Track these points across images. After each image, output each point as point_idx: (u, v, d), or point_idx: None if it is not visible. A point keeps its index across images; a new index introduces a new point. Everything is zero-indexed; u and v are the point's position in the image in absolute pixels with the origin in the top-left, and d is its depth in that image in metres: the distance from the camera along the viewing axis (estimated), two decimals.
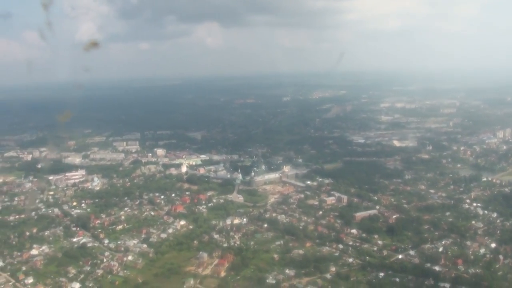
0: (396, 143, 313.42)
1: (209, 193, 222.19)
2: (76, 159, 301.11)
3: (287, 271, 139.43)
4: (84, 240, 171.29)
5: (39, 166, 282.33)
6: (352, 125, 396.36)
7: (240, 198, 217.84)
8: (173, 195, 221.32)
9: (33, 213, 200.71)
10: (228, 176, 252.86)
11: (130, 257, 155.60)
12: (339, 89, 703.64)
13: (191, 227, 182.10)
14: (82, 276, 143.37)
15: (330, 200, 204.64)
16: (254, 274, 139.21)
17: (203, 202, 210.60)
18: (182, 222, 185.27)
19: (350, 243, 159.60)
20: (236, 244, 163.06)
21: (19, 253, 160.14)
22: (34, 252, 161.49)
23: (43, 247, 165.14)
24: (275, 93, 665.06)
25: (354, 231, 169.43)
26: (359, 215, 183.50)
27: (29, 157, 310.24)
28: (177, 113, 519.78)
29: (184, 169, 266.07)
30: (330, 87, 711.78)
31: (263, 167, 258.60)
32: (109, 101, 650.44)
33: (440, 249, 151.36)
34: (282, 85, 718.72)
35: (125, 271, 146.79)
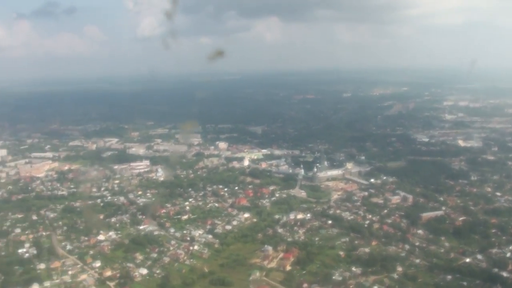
0: (461, 142, 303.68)
1: (272, 188, 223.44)
2: (140, 150, 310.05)
3: (353, 268, 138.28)
4: (150, 228, 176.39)
5: (103, 155, 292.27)
6: (415, 123, 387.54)
7: (302, 194, 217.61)
8: (236, 188, 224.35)
9: (99, 200, 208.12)
10: (290, 171, 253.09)
11: (196, 247, 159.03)
12: (400, 85, 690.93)
13: (255, 220, 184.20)
14: (149, 262, 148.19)
15: (395, 199, 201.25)
16: (320, 270, 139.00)
17: (266, 196, 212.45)
18: (246, 215, 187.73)
19: (417, 243, 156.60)
20: (300, 239, 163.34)
21: (86, 238, 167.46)
22: (101, 237, 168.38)
23: (110, 233, 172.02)
24: (335, 89, 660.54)
25: (420, 231, 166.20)
26: (426, 215, 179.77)
27: (94, 147, 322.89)
28: (237, 107, 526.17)
29: (246, 162, 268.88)
30: (390, 84, 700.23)
31: (325, 163, 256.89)
32: (170, 94, 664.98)
33: (508, 254, 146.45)
34: (342, 81, 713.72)
35: (191, 260, 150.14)
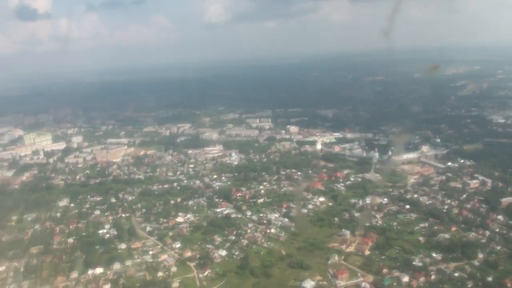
0: None
1: (346, 171, 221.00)
2: (213, 135, 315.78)
3: (433, 254, 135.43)
4: (227, 211, 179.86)
5: (177, 140, 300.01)
6: (490, 103, 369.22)
7: (378, 177, 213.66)
8: (310, 171, 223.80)
9: (176, 183, 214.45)
10: (364, 154, 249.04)
11: (272, 230, 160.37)
12: (472, 64, 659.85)
13: (330, 204, 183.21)
14: (227, 244, 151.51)
15: (474, 183, 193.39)
16: (399, 255, 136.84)
17: (341, 180, 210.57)
18: (321, 199, 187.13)
19: (497, 230, 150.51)
20: (378, 224, 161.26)
21: (165, 220, 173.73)
22: (179, 219, 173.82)
23: (188, 215, 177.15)
24: (405, 69, 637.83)
25: (500, 217, 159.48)
26: (505, 200, 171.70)
27: (167, 132, 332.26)
28: (306, 91, 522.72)
29: (318, 146, 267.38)
30: (462, 63, 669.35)
31: (400, 146, 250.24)
32: (237, 80, 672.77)
33: None
34: (412, 61, 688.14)
35: (269, 243, 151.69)
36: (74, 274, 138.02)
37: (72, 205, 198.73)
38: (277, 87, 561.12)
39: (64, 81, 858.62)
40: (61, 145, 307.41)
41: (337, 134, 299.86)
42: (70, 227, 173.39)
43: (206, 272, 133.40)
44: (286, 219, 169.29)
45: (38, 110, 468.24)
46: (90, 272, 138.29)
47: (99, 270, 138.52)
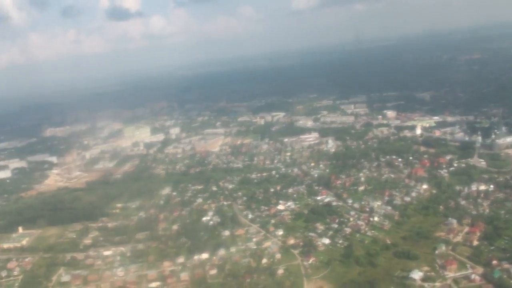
0: None
1: (448, 157, 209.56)
2: (308, 122, 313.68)
3: None
4: (328, 199, 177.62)
5: (272, 129, 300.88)
6: None
7: (482, 163, 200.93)
8: (411, 158, 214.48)
9: (274, 172, 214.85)
10: (466, 138, 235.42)
11: (376, 218, 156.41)
12: None
13: (434, 191, 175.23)
14: (330, 232, 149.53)
15: None
16: (509, 246, 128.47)
17: (443, 166, 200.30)
18: (425, 186, 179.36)
19: None
20: (485, 212, 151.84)
21: (266, 208, 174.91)
22: (280, 207, 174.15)
23: (289, 203, 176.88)
24: (503, 46, 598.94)
25: None
26: None
27: (262, 121, 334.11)
28: (400, 73, 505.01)
29: (418, 131, 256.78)
30: None
31: (503, 129, 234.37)
32: (328, 66, 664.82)
33: None
34: (509, 36, 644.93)
35: (373, 231, 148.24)
36: (180, 259, 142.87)
37: (174, 193, 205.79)
38: (369, 71, 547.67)
39: (157, 76, 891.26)
40: (160, 137, 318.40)
41: (436, 118, 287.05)
42: (174, 214, 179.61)
43: (311, 260, 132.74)
44: (389, 207, 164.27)
45: (135, 105, 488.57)
46: (196, 257, 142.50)
47: (204, 256, 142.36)
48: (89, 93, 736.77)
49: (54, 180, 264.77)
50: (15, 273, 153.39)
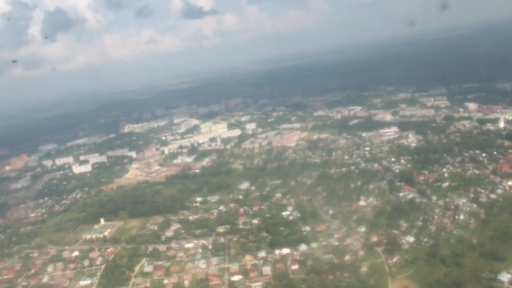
0: None
1: None
2: (386, 116, 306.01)
3: None
4: (411, 195, 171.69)
5: (350, 123, 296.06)
6: None
7: None
8: (495, 152, 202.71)
9: (353, 167, 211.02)
10: None
11: (461, 216, 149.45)
12: None
13: None
14: (414, 230, 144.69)
15: None
16: None
17: None
18: (510, 183, 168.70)
19: None
20: None
21: (347, 203, 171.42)
22: (362, 203, 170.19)
23: (370, 199, 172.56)
24: None
25: None
26: None
27: (338, 115, 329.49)
28: (479, 63, 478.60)
29: (501, 124, 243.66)
30: None
31: None
32: (404, 57, 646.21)
33: None
34: None
35: (458, 230, 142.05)
36: (262, 253, 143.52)
37: (253, 188, 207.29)
38: (447, 61, 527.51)
39: (231, 73, 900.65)
40: (236, 132, 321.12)
41: None
42: (254, 208, 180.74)
43: (395, 259, 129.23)
44: (475, 205, 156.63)
45: (210, 101, 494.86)
46: (277, 252, 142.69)
47: (285, 251, 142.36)
48: (164, 90, 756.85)
49: (134, 174, 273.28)
50: (98, 262, 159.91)
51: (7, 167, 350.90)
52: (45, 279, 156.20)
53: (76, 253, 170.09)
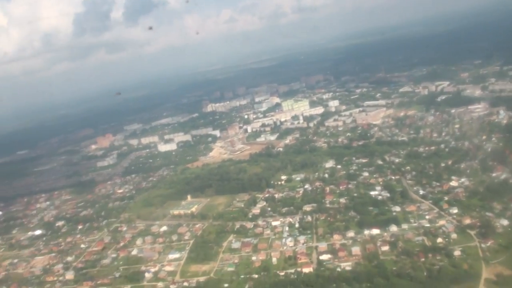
0: None
1: None
2: (475, 92, 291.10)
3: None
4: (504, 175, 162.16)
5: (437, 99, 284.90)
6: None
7: None
8: None
9: (443, 145, 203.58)
10: None
11: None
12: None
13: None
14: (509, 213, 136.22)
15: None
16: None
17: None
18: None
19: None
20: None
21: (438, 184, 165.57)
22: (453, 183, 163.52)
23: (462, 179, 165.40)
24: None
25: None
26: None
27: (425, 91, 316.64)
28: None
29: None
30: None
31: None
32: (490, 27, 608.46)
33: None
34: None
35: None
36: (350, 233, 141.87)
37: (338, 166, 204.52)
38: None
39: (310, 50, 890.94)
40: (319, 110, 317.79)
41: None
42: (341, 187, 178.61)
43: (489, 243, 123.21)
44: None
45: (290, 79, 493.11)
46: (366, 232, 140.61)
47: (375, 231, 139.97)
48: (244, 69, 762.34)
49: (218, 153, 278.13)
50: (186, 237, 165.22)
51: (93, 146, 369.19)
52: (134, 251, 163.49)
53: (164, 228, 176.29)
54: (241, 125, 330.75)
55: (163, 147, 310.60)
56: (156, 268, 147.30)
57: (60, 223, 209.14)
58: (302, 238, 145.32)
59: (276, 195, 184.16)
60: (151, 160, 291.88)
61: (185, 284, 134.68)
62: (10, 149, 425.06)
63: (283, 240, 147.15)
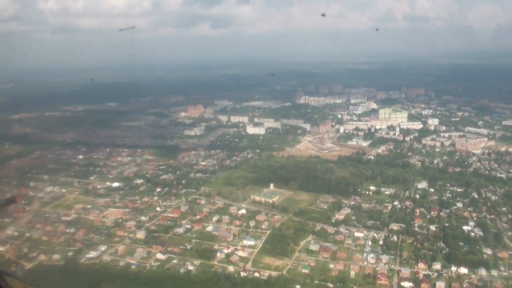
0: None
1: None
2: None
3: None
4: None
5: None
6: None
7: None
8: None
9: None
10: None
11: None
12: None
13: None
14: None
15: None
16: None
17: None
18: None
19: None
20: None
21: None
22: None
23: None
24: None
25: None
26: None
27: None
28: None
29: None
30: None
31: None
32: None
33: None
34: None
35: None
36: (437, 265, 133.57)
37: (431, 189, 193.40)
38: None
39: (412, 60, 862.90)
40: (417, 125, 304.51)
41: None
42: (432, 213, 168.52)
43: None
44: None
45: (389, 86, 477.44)
46: (453, 268, 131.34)
47: (463, 270, 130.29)
48: (341, 68, 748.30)
49: (305, 147, 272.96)
50: (263, 226, 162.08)
51: (183, 113, 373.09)
52: (209, 227, 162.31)
53: (243, 211, 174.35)
54: (333, 123, 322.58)
55: (251, 129, 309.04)
56: (229, 250, 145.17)
57: (138, 181, 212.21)
58: (384, 258, 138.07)
59: (363, 205, 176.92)
60: (237, 140, 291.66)
61: (256, 274, 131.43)
62: (102, 99, 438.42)
63: (365, 254, 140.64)
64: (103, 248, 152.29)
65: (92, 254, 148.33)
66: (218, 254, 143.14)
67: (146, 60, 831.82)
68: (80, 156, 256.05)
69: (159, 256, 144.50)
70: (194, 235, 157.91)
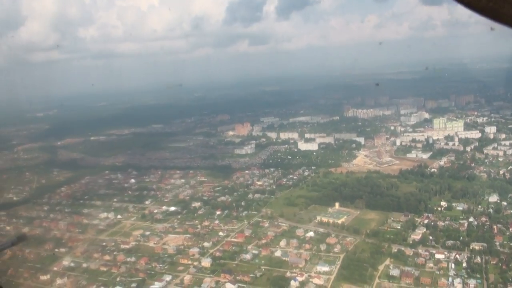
0: None
1: None
2: None
3: None
4: None
5: None
6: None
7: None
8: None
9: None
10: None
11: None
12: None
13: None
14: None
15: None
16: None
17: None
18: None
19: None
20: None
21: None
22: None
23: None
24: None
25: None
26: None
27: None
28: None
29: None
30: None
31: None
32: None
33: None
34: None
35: None
36: None
37: (504, 203, 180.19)
38: None
39: (454, 67, 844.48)
40: (475, 134, 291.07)
41: None
42: (510, 229, 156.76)
43: None
44: None
45: (437, 95, 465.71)
46: None
47: None
48: (384, 78, 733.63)
49: (362, 162, 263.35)
50: (336, 250, 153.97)
51: (231, 132, 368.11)
52: (278, 252, 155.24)
53: (311, 233, 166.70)
54: (388, 136, 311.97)
55: (303, 146, 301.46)
56: (303, 278, 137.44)
57: (196, 204, 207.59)
58: (472, 282, 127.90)
59: (439, 223, 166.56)
60: (289, 157, 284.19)
61: None
62: (146, 121, 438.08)
63: (450, 279, 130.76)
64: (167, 278, 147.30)
65: (157, 285, 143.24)
66: (292, 282, 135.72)
67: (186, 81, 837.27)
68: (132, 180, 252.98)
69: (229, 286, 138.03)
70: (263, 262, 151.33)
